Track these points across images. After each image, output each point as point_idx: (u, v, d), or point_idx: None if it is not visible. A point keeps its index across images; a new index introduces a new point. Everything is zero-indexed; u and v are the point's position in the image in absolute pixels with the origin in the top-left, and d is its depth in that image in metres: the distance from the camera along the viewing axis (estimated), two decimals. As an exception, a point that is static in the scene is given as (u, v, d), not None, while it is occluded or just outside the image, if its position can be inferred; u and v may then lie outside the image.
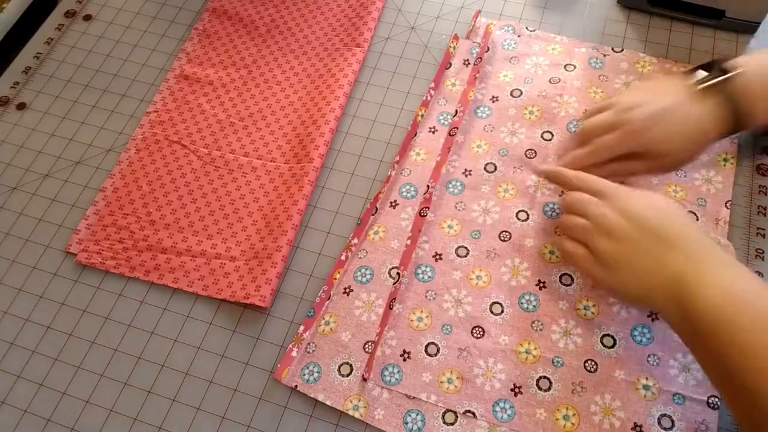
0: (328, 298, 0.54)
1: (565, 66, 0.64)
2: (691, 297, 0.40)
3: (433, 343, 0.52)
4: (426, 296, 0.54)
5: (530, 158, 0.59)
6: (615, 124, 0.50)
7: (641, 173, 0.54)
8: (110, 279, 0.57)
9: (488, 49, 0.66)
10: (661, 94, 0.50)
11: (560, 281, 0.53)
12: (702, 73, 0.49)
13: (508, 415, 0.48)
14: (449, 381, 0.50)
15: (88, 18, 0.74)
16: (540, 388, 0.49)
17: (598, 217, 0.45)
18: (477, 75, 0.64)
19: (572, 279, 0.53)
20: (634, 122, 0.49)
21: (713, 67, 0.50)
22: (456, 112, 0.62)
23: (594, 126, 0.52)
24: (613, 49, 0.64)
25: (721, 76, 0.48)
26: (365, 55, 0.67)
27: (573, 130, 0.60)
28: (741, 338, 0.37)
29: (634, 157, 0.51)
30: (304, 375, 0.51)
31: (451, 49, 0.66)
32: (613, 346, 0.50)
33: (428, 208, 0.57)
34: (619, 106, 0.51)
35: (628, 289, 0.44)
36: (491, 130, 0.61)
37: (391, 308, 0.53)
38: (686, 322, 0.41)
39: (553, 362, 0.50)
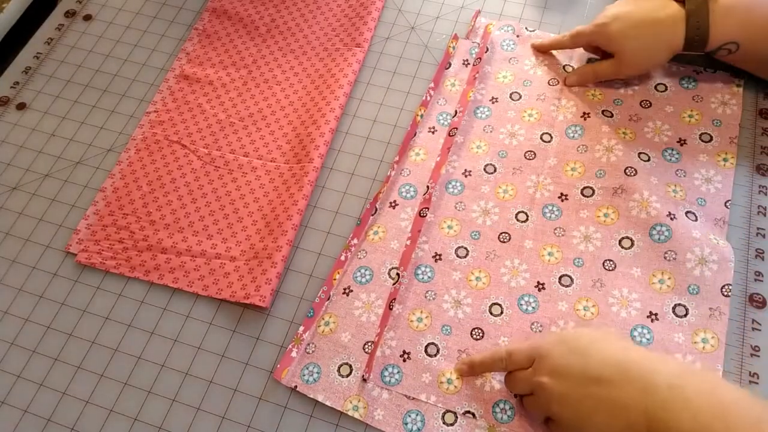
0: (328, 299, 0.54)
1: (564, 66, 0.64)
2: (662, 428, 0.38)
3: (432, 343, 0.52)
4: (426, 297, 0.54)
5: (529, 160, 0.59)
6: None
7: (609, 74, 0.59)
8: (110, 279, 0.57)
9: (487, 50, 0.66)
10: (639, 2, 0.56)
11: (560, 282, 0.53)
12: None
13: (508, 416, 0.48)
14: (449, 381, 0.50)
15: (88, 18, 0.74)
16: None
17: (540, 390, 0.43)
18: (476, 75, 0.64)
19: (572, 280, 0.53)
20: (601, 16, 0.57)
21: None
22: (456, 112, 0.62)
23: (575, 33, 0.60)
24: None
25: None
26: (365, 55, 0.67)
27: (571, 134, 0.60)
28: None
29: (608, 57, 0.58)
30: (304, 375, 0.51)
31: (451, 49, 0.66)
32: (612, 347, 0.50)
33: (428, 208, 0.57)
34: (605, 11, 0.58)
35: None
36: (491, 131, 0.61)
37: (391, 309, 0.53)
38: None
39: None
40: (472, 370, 0.49)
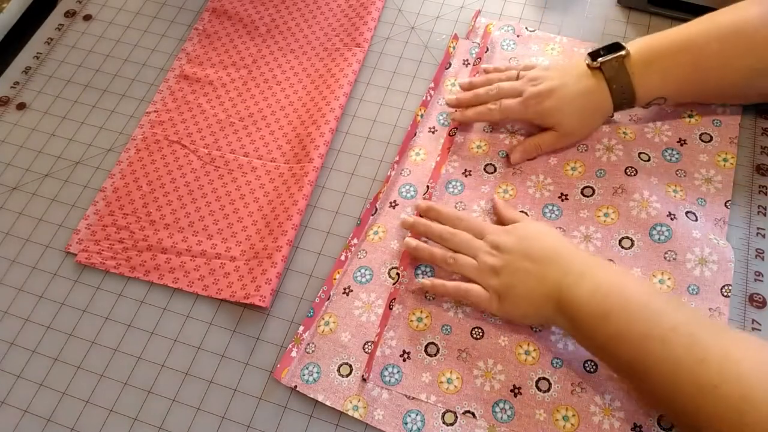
0: (328, 298, 0.54)
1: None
2: (569, 298, 0.45)
3: (432, 343, 0.52)
4: (426, 296, 0.54)
5: (529, 160, 0.59)
6: (520, 92, 0.57)
7: (551, 145, 0.58)
8: (110, 279, 0.57)
9: (487, 50, 0.66)
10: (563, 72, 0.57)
11: (560, 281, 0.53)
12: (595, 54, 0.54)
13: (508, 416, 0.48)
14: (449, 381, 0.50)
15: (88, 18, 0.74)
16: (539, 389, 0.49)
17: (483, 257, 0.50)
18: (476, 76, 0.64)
19: (572, 279, 0.53)
20: (531, 95, 0.56)
21: (611, 48, 0.54)
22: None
23: (504, 89, 0.58)
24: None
25: (609, 55, 0.53)
26: (365, 55, 0.67)
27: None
28: (610, 324, 0.43)
29: (543, 130, 0.58)
30: (304, 375, 0.51)
31: (451, 49, 0.66)
32: (612, 347, 0.50)
33: (428, 208, 0.57)
34: (528, 77, 0.58)
35: (521, 312, 0.49)
36: (491, 131, 0.61)
37: (391, 309, 0.53)
38: (570, 322, 0.46)
39: (552, 363, 0.50)
40: (427, 212, 0.55)
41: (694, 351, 0.39)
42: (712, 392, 0.38)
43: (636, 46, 0.54)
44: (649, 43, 0.54)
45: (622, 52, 0.53)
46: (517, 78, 0.59)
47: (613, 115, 0.58)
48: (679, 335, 0.40)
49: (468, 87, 0.62)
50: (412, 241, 0.54)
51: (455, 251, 0.52)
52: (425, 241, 0.55)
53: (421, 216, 0.56)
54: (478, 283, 0.50)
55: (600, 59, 0.53)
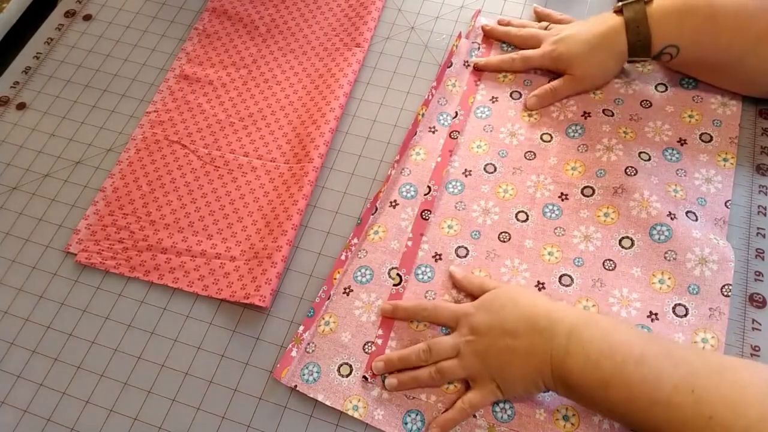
0: (328, 298, 0.54)
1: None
2: (563, 371, 0.44)
3: (432, 343, 0.52)
4: (426, 297, 0.54)
5: (530, 159, 0.59)
6: (541, 43, 0.62)
7: (566, 90, 0.61)
8: (110, 279, 0.57)
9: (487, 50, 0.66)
10: (584, 21, 0.61)
11: (560, 282, 0.53)
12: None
13: (508, 416, 0.48)
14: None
15: (88, 18, 0.74)
16: None
17: (464, 351, 0.48)
18: (477, 81, 0.64)
19: (572, 280, 0.53)
20: (549, 42, 0.61)
21: None
22: (456, 113, 0.62)
23: (532, 35, 0.64)
24: None
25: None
26: (365, 55, 0.67)
27: (572, 133, 0.60)
28: (611, 394, 0.42)
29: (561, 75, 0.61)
30: (304, 375, 0.51)
31: (455, 48, 0.66)
32: (612, 347, 0.50)
33: (430, 210, 0.57)
34: (554, 29, 0.63)
35: (518, 391, 0.47)
36: (491, 131, 0.61)
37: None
38: (571, 391, 0.44)
39: None
40: (395, 312, 0.52)
41: (700, 410, 0.38)
42: None
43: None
44: None
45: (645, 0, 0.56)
46: (547, 30, 0.64)
47: (627, 63, 0.60)
48: (682, 395, 0.39)
49: (506, 24, 0.67)
50: (394, 380, 0.49)
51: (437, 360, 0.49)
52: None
53: (389, 316, 0.53)
54: (471, 380, 0.48)
55: (622, 2, 0.56)
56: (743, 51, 0.54)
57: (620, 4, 0.56)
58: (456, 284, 0.53)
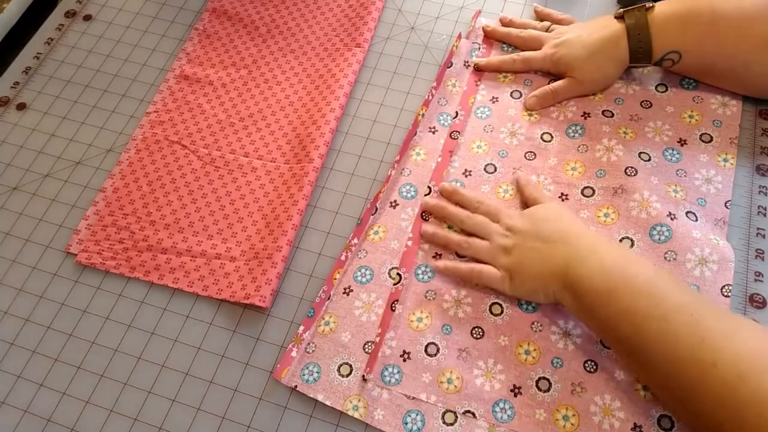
0: (328, 298, 0.54)
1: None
2: (575, 276, 0.47)
3: (433, 343, 0.52)
4: (426, 296, 0.54)
5: (530, 159, 0.59)
6: (543, 45, 0.63)
7: (567, 92, 0.61)
8: (110, 279, 0.57)
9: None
10: (587, 24, 0.61)
11: (560, 282, 0.53)
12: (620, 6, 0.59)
13: (508, 416, 0.48)
14: (449, 381, 0.50)
15: (88, 18, 0.74)
16: (540, 389, 0.49)
17: (496, 239, 0.52)
18: (478, 82, 0.64)
19: (572, 279, 0.53)
20: (550, 45, 0.61)
21: (635, 2, 0.57)
22: (456, 113, 0.62)
23: (533, 37, 0.64)
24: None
25: (633, 6, 0.56)
26: (365, 55, 0.67)
27: (572, 133, 0.60)
28: (613, 301, 0.44)
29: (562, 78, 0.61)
30: (304, 375, 0.51)
31: (455, 48, 0.66)
32: (612, 347, 0.50)
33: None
34: (556, 30, 0.63)
35: (529, 288, 0.51)
36: (491, 131, 0.61)
37: (393, 310, 0.53)
38: (575, 299, 0.47)
39: (552, 363, 0.50)
40: (452, 194, 0.57)
41: (695, 331, 0.40)
42: (710, 370, 0.39)
43: (660, 4, 0.56)
44: (672, 1, 0.56)
45: (646, 5, 0.56)
46: (547, 31, 0.64)
47: (629, 67, 0.60)
48: (681, 315, 0.41)
49: (508, 23, 0.67)
50: (429, 228, 0.55)
51: (471, 234, 0.54)
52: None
53: (444, 198, 0.57)
54: (491, 264, 0.52)
55: (623, 8, 0.57)
56: (747, 57, 0.55)
57: (621, 10, 0.56)
58: (518, 187, 0.57)
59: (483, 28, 0.67)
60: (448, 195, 0.57)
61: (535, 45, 0.63)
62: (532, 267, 0.50)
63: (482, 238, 0.53)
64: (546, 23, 0.65)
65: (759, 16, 0.53)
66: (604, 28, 0.58)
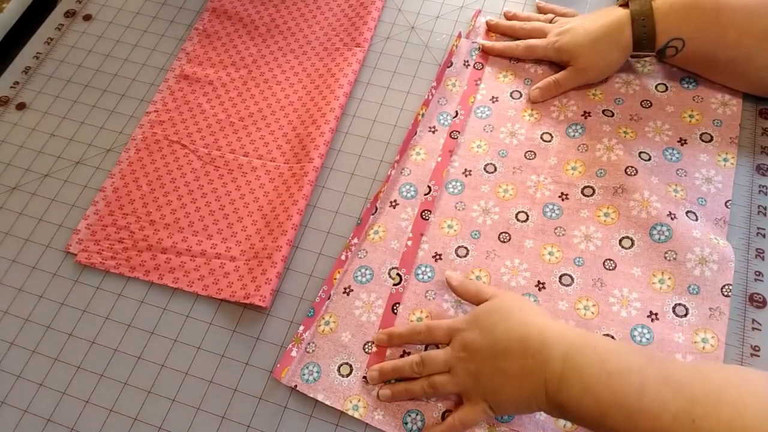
0: (328, 298, 0.54)
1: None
2: (558, 403, 0.42)
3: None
4: (426, 296, 0.54)
5: (530, 159, 0.59)
6: (546, 33, 0.62)
7: (569, 81, 0.61)
8: (110, 279, 0.57)
9: (481, 50, 0.66)
10: (589, 14, 0.60)
11: (560, 281, 0.53)
12: None
13: (508, 416, 0.48)
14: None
15: (88, 18, 0.74)
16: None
17: (457, 368, 0.47)
18: (478, 81, 0.64)
19: (572, 279, 0.53)
20: (553, 33, 0.61)
21: None
22: (456, 113, 0.62)
23: (535, 28, 0.64)
24: None
25: None
26: (365, 54, 0.67)
27: (572, 133, 0.60)
28: (609, 422, 0.40)
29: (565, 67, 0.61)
30: (304, 375, 0.51)
31: (455, 48, 0.66)
32: (612, 347, 0.50)
33: (430, 211, 0.57)
34: (559, 22, 0.63)
35: (511, 411, 0.47)
36: (491, 131, 0.61)
37: (395, 313, 0.53)
38: (566, 415, 0.43)
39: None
40: (390, 341, 0.51)
41: None
42: None
43: None
44: None
45: None
46: (551, 23, 0.64)
47: (631, 56, 0.60)
48: (682, 424, 0.38)
49: (511, 17, 0.67)
50: (386, 392, 0.49)
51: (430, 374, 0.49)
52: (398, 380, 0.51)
53: (384, 345, 0.52)
54: (464, 395, 0.47)
55: None
56: (750, 49, 0.54)
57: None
58: (453, 290, 0.52)
59: (486, 22, 0.67)
60: (386, 343, 0.51)
61: (538, 35, 0.63)
62: (506, 393, 0.45)
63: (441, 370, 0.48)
64: (549, 16, 0.65)
65: (762, 9, 0.53)
66: (607, 15, 0.58)
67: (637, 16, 0.56)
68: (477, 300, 0.50)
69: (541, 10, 0.68)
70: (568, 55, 0.60)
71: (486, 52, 0.65)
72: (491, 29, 0.67)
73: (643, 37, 0.56)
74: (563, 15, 0.65)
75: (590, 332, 0.47)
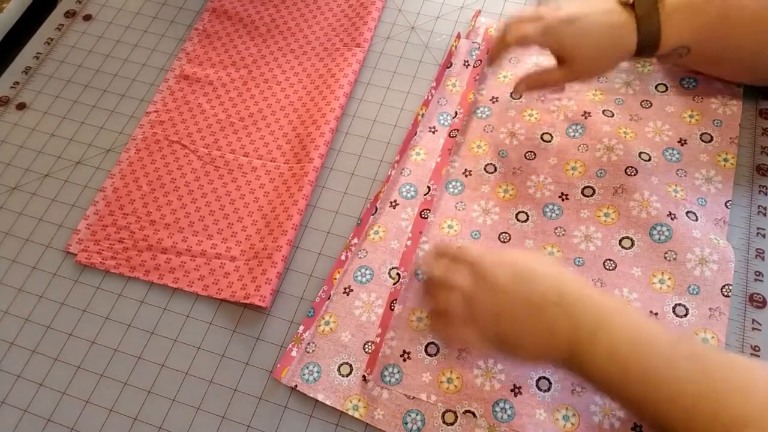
0: (328, 298, 0.54)
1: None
2: (582, 361, 0.42)
3: (433, 343, 0.52)
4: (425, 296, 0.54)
5: (530, 159, 0.59)
6: (541, 18, 0.54)
7: (558, 81, 0.56)
8: (110, 279, 0.57)
9: (488, 52, 0.66)
10: (590, 4, 0.54)
11: (560, 281, 0.53)
12: None
13: (508, 415, 0.48)
14: (449, 381, 0.50)
15: (88, 18, 0.74)
16: (540, 389, 0.49)
17: (476, 302, 0.45)
18: (476, 78, 0.64)
19: (572, 279, 0.53)
20: (552, 20, 0.53)
21: None
22: (456, 113, 0.62)
23: (524, 17, 0.55)
24: None
25: None
26: (365, 55, 0.67)
27: (572, 133, 0.60)
28: (632, 388, 0.40)
29: (557, 63, 0.55)
30: (304, 375, 0.51)
31: (454, 48, 0.66)
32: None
33: (429, 210, 0.57)
34: (551, 6, 0.55)
35: (524, 358, 0.46)
36: (491, 131, 0.61)
37: (392, 310, 0.53)
38: (586, 378, 0.43)
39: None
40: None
41: (720, 420, 0.37)
42: None
43: None
44: None
45: None
46: None
47: (630, 59, 0.56)
48: (706, 402, 0.38)
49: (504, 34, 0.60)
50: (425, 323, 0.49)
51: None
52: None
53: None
54: (473, 323, 0.46)
55: None
56: (758, 46, 0.53)
57: None
58: (450, 257, 0.49)
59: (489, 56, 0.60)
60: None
61: (533, 20, 0.55)
62: (528, 342, 0.44)
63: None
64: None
65: None
66: (611, 14, 0.53)
67: (643, 20, 0.52)
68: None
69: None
70: (569, 51, 0.54)
71: (489, 64, 0.60)
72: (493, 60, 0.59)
73: (648, 43, 0.53)
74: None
75: (623, 300, 0.46)
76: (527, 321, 0.43)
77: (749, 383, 0.38)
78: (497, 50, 0.57)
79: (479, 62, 0.65)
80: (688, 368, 0.39)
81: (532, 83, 0.57)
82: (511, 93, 0.60)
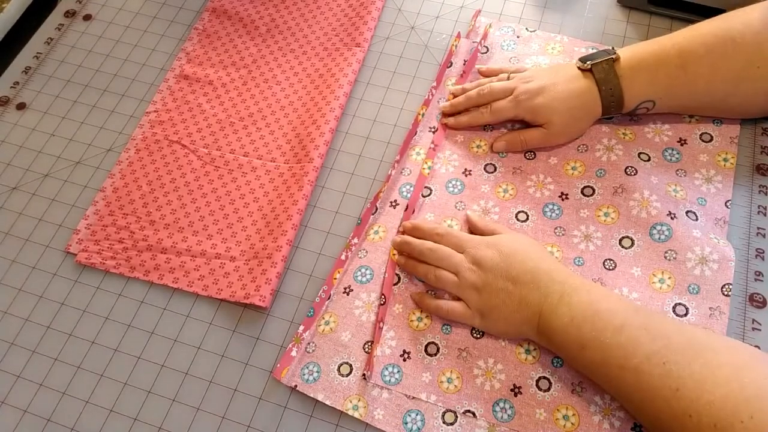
0: (328, 298, 0.54)
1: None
2: (547, 327, 0.47)
3: (433, 343, 0.52)
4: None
5: (529, 159, 0.59)
6: (511, 91, 0.58)
7: (537, 143, 0.59)
8: (110, 279, 0.57)
9: (486, 50, 0.66)
10: (554, 72, 0.58)
11: (560, 281, 0.53)
12: (586, 58, 0.56)
13: (508, 415, 0.48)
14: (449, 381, 0.50)
15: (88, 18, 0.74)
16: (540, 388, 0.49)
17: (464, 273, 0.51)
18: (464, 71, 0.64)
19: (572, 279, 0.53)
20: (522, 92, 0.57)
21: (601, 54, 0.55)
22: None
23: (495, 89, 0.59)
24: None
25: (599, 58, 0.55)
26: (365, 54, 0.67)
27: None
28: (587, 354, 0.45)
29: (532, 126, 0.59)
30: (304, 375, 0.51)
31: (454, 48, 0.66)
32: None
33: (430, 211, 0.57)
34: (519, 76, 0.59)
35: (500, 330, 0.50)
36: (491, 130, 0.61)
37: (382, 304, 0.53)
38: (550, 346, 0.48)
39: (552, 362, 0.50)
40: (412, 231, 0.55)
41: (667, 382, 0.41)
42: (688, 421, 0.39)
43: (625, 51, 0.55)
44: (637, 49, 0.55)
45: (612, 56, 0.54)
46: (508, 79, 0.60)
47: (601, 119, 0.58)
48: (652, 365, 0.41)
49: (460, 92, 0.62)
50: (401, 258, 0.55)
51: (437, 266, 0.52)
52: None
53: (405, 234, 0.56)
54: (461, 298, 0.51)
55: (590, 62, 0.55)
56: (723, 92, 0.54)
57: (588, 63, 0.55)
58: (471, 227, 0.55)
59: (441, 110, 0.62)
60: (409, 232, 0.55)
61: (501, 95, 0.59)
62: (503, 310, 0.49)
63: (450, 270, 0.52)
64: (503, 74, 0.61)
65: (726, 53, 0.52)
66: (575, 80, 0.56)
67: (603, 85, 0.54)
68: (491, 233, 0.54)
69: (486, 74, 0.63)
70: (543, 117, 0.56)
71: (452, 128, 0.61)
72: (449, 112, 0.62)
73: (612, 103, 0.55)
74: (515, 72, 0.60)
75: (591, 282, 0.49)
76: (504, 295, 0.49)
77: (696, 347, 0.42)
78: (468, 122, 0.61)
79: (473, 58, 0.65)
80: (639, 336, 0.43)
81: (512, 144, 0.59)
82: (492, 147, 0.60)
